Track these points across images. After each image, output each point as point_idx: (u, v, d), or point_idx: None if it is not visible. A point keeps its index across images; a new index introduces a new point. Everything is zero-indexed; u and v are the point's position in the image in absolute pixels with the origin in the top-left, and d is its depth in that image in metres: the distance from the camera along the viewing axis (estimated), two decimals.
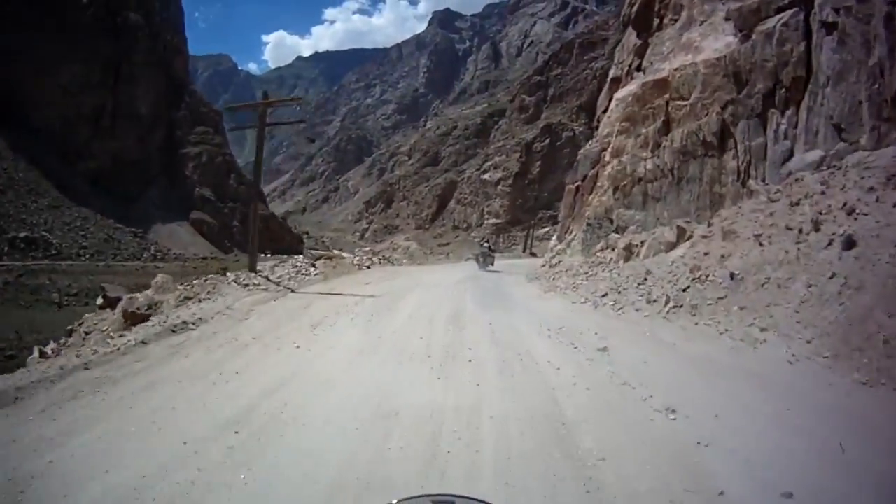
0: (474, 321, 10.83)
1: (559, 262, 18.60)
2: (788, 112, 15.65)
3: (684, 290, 12.22)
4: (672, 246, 15.10)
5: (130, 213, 69.81)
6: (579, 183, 20.51)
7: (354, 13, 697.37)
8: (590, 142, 21.88)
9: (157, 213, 74.17)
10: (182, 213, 76.54)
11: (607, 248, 16.41)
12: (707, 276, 12.36)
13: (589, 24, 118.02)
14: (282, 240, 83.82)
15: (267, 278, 16.47)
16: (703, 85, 16.98)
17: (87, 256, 57.28)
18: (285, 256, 32.35)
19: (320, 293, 15.15)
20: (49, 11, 66.29)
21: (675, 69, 17.78)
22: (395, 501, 1.72)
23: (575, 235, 19.16)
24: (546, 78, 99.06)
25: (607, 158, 18.61)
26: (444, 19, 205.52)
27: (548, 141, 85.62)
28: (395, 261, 27.53)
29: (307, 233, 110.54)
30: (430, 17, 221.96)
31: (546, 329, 10.17)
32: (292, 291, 15.46)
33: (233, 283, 14.63)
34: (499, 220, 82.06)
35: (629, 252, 15.58)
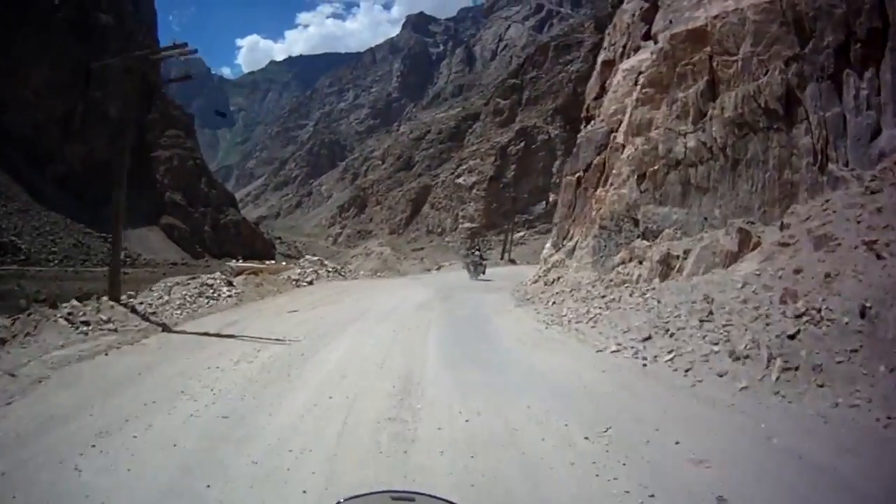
0: (434, 410, 5.45)
1: (559, 277, 13.34)
2: (867, 74, 11.15)
3: (792, 338, 7.30)
4: (734, 257, 10.02)
5: (100, 218, 65.00)
6: (581, 174, 15.29)
7: (328, 17, 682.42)
8: (591, 123, 16.68)
9: (127, 217, 67.71)
10: (152, 218, 72.58)
11: (631, 259, 11.19)
12: (819, 310, 7.45)
13: (564, 27, 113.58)
14: (253, 245, 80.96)
15: (133, 309, 10.83)
16: (754, 36, 12.03)
17: (56, 262, 54.63)
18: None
19: (206, 333, 9.61)
20: (20, 13, 62.78)
21: (715, 17, 12.72)
22: (342, 500, 1.57)
23: (577, 242, 13.94)
24: (521, 81, 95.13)
25: (620, 140, 13.45)
26: (417, 23, 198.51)
27: (523, 144, 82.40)
28: (348, 273, 21.74)
29: (279, 238, 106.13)
30: (403, 20, 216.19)
31: (580, 435, 4.85)
32: (164, 329, 9.91)
33: (61, 321, 9.01)
34: (473, 225, 78.15)
35: (667, 266, 10.38)
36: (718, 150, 10.93)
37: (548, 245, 16.27)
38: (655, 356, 7.61)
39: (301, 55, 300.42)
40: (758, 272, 9.24)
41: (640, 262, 10.84)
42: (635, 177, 11.77)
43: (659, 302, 9.39)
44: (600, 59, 22.81)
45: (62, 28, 67.26)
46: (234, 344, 8.67)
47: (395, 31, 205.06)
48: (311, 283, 17.18)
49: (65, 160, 67.24)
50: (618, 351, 7.98)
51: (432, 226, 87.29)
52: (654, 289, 10.02)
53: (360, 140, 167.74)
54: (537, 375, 6.83)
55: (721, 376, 7.00)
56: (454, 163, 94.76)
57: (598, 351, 8.09)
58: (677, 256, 10.34)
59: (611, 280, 10.95)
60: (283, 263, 27.27)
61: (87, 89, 68.03)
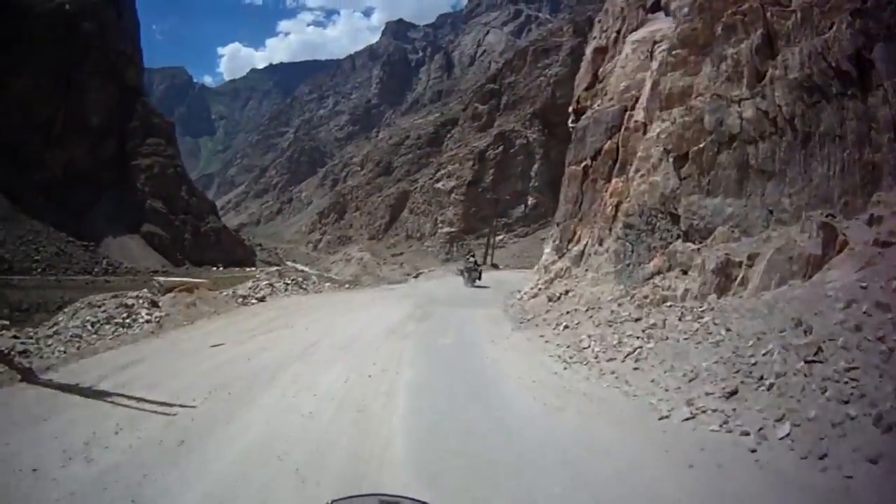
0: None
1: (567, 290, 10.28)
2: None
3: None
4: (817, 263, 7.11)
5: (82, 226, 64.84)
6: (588, 162, 12.27)
7: (309, 25, 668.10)
8: (587, 112, 13.71)
9: (108, 225, 68.58)
10: (133, 226, 70.77)
11: (671, 268, 8.19)
12: None
13: (542, 32, 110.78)
14: (233, 253, 79.96)
15: None
16: None
17: (39, 271, 53.03)
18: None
19: (76, 387, 6.36)
20: (2, 20, 60.81)
21: None
22: (331, 501, 1.51)
23: (587, 245, 10.93)
24: (499, 85, 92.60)
25: (640, 117, 10.47)
26: (397, 30, 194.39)
27: (501, 148, 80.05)
28: (311, 285, 18.24)
29: (260, 245, 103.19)
30: (383, 27, 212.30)
31: None
32: (24, 378, 6.61)
33: None
34: (452, 229, 75.70)
35: (726, 277, 7.39)
36: (784, 121, 7.97)
37: (547, 250, 13.15)
38: (760, 428, 4.57)
39: (282, 63, 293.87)
40: (862, 283, 6.35)
41: (685, 272, 7.85)
42: (671, 159, 8.75)
43: (728, 330, 6.40)
44: (590, 48, 20.30)
45: (45, 35, 64.82)
46: (97, 411, 5.45)
47: (374, 38, 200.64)
48: (262, 299, 13.86)
49: (47, 167, 64.80)
50: (693, 417, 4.93)
51: (411, 231, 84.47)
52: (712, 309, 7.02)
53: (340, 146, 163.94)
54: (588, 486, 3.73)
55: (874, 463, 4.07)
56: (433, 168, 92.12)
57: (661, 417, 5.01)
58: (739, 263, 7.36)
59: (644, 297, 7.92)
60: (269, 270, 24.16)
61: (69, 96, 67.02)
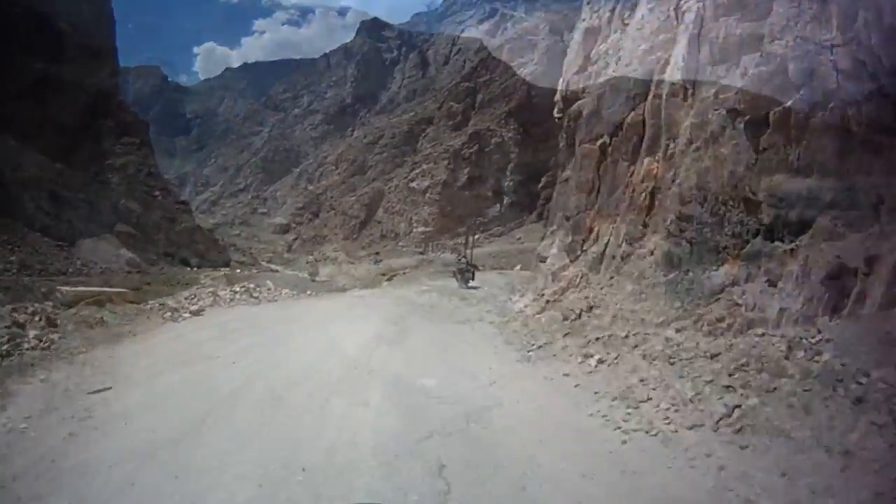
0: None
1: (589, 306, 7.77)
2: None
3: None
4: None
5: (57, 226, 61.89)
6: (605, 139, 9.78)
7: (283, 24, 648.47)
8: (610, 69, 11.23)
9: (82, 225, 65.86)
10: (108, 226, 68.48)
11: (752, 278, 5.73)
12: None
13: (518, 30, 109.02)
14: (208, 252, 78.01)
15: None
16: None
17: (14, 272, 49.44)
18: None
19: None
20: None
21: None
22: None
23: (610, 244, 8.44)
24: (474, 84, 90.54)
25: (678, 77, 8.00)
26: (371, 29, 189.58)
27: (476, 147, 77.97)
28: (264, 292, 15.11)
29: (234, 245, 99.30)
30: (357, 26, 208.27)
31: None
32: None
33: None
34: (427, 229, 73.43)
35: (839, 290, 4.99)
36: (887, 76, 5.58)
37: (553, 251, 10.53)
38: None
39: (256, 62, 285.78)
40: None
41: (773, 283, 5.42)
42: (742, 125, 6.28)
43: (867, 375, 3.98)
44: (580, 31, 18.22)
45: (21, 34, 62.98)
46: None
47: (349, 37, 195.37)
48: (198, 312, 11.04)
49: (21, 167, 62.00)
50: None
51: (386, 231, 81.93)
52: (828, 340, 4.63)
53: (315, 146, 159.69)
54: None
55: None
56: (408, 167, 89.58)
57: None
58: (855, 271, 4.96)
59: (718, 319, 5.48)
60: (215, 275, 21.28)
61: (45, 95, 64.69)
